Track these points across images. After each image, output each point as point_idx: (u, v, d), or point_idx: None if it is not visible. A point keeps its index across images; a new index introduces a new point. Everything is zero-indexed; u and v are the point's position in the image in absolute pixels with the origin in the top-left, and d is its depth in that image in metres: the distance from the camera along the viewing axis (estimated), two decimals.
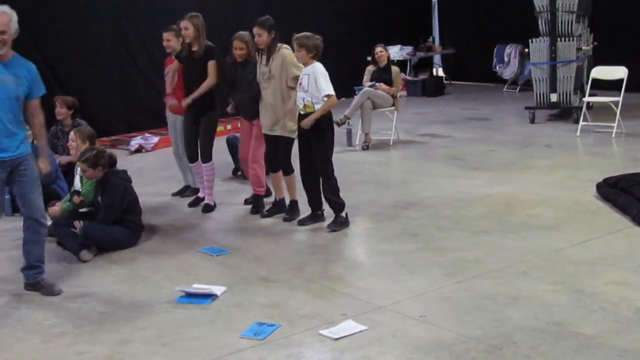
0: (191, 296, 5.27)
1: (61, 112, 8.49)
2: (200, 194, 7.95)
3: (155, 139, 11.66)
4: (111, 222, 6.46)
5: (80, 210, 6.82)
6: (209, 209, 7.69)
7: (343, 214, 6.81)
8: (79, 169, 7.01)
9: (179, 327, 4.83)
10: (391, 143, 10.86)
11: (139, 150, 11.43)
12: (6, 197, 6.74)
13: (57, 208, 6.86)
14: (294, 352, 4.39)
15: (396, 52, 16.75)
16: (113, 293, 5.47)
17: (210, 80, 7.46)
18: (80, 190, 6.96)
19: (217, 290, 5.36)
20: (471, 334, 4.49)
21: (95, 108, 11.66)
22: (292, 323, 4.77)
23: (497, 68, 16.75)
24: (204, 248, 6.46)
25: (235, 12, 13.69)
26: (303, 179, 6.95)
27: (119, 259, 6.28)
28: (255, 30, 6.97)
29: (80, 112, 8.80)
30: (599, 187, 7.52)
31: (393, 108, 10.84)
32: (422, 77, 17.37)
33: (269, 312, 4.98)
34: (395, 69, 11.00)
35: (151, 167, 10.15)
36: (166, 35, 7.99)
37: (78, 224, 6.41)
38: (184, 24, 7.38)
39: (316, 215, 7.00)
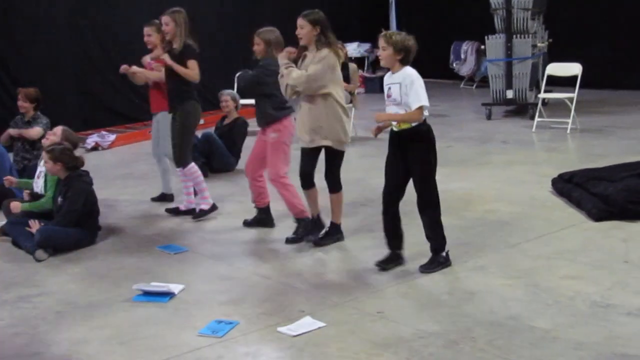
0: (149, 294, 5.22)
1: (24, 105, 8.23)
2: (181, 206, 7.40)
3: (112, 137, 11.56)
4: (70, 226, 6.37)
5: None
6: (199, 213, 7.17)
7: (443, 253, 5.64)
8: (41, 172, 6.90)
9: (137, 325, 4.79)
10: (349, 140, 10.84)
11: (96, 148, 11.33)
12: None
13: (18, 204, 6.71)
14: (253, 349, 4.38)
15: (354, 49, 16.83)
16: (69, 292, 5.40)
17: (191, 73, 6.85)
18: (38, 192, 6.88)
19: (175, 288, 5.32)
20: (429, 329, 4.52)
21: (51, 105, 11.47)
22: (250, 320, 4.76)
23: (454, 65, 16.90)
24: (162, 246, 6.41)
25: (196, 6, 13.59)
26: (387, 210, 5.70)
27: (75, 258, 6.20)
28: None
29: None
30: (555, 182, 7.61)
31: (351, 105, 10.85)
32: (380, 74, 17.39)
33: (227, 309, 4.96)
34: (352, 66, 11.02)
35: (108, 165, 10.05)
36: (147, 30, 7.55)
37: (34, 224, 6.33)
38: (165, 19, 6.89)
39: (397, 257, 5.71)
